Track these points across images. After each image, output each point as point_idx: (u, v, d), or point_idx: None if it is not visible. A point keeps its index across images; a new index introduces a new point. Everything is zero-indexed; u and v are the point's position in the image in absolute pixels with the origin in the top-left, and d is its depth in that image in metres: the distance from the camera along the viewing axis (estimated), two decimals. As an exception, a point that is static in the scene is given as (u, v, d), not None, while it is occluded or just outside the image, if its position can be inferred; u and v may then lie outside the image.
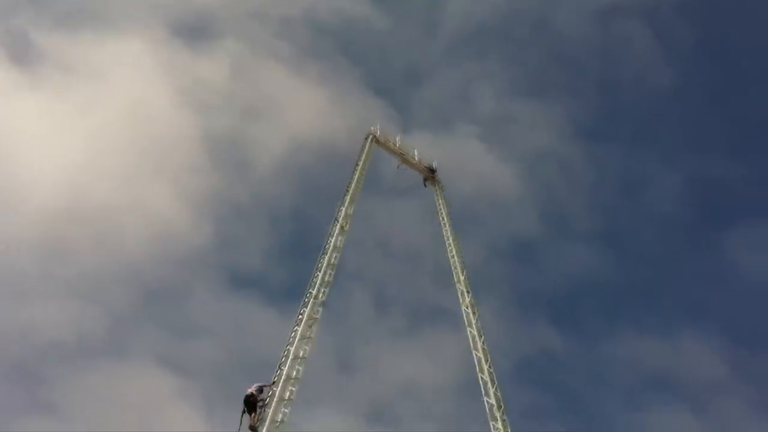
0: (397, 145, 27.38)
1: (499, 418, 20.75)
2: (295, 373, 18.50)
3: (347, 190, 24.10)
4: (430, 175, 27.49)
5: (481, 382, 21.62)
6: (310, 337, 19.48)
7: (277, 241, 53.27)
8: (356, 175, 24.72)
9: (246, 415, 17.82)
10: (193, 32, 63.78)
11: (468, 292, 23.84)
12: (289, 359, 18.66)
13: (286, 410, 17.69)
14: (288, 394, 18.00)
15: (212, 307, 48.72)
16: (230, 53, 58.56)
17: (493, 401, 21.16)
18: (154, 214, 49.72)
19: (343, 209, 23.35)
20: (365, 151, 25.83)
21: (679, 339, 48.83)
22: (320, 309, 20.26)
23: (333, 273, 21.40)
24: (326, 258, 21.60)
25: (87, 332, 43.38)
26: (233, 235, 52.36)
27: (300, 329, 19.40)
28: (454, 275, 24.43)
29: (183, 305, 47.99)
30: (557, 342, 46.35)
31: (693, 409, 45.42)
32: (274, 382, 18.22)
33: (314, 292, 20.48)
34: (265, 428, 17.14)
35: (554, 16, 62.57)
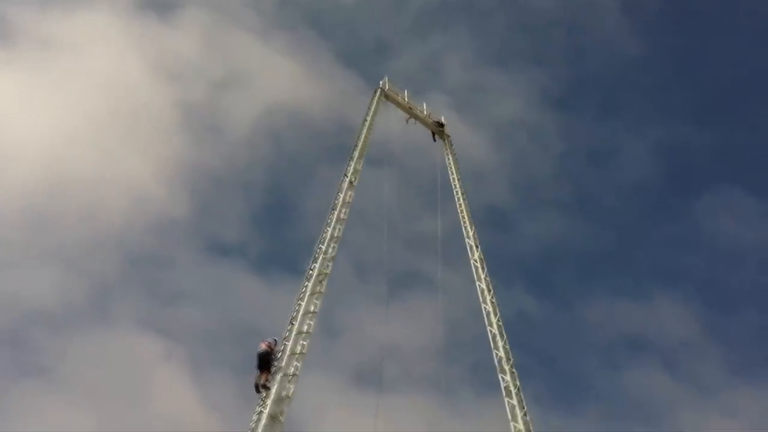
0: (406, 99, 27.16)
1: (507, 370, 20.94)
2: (306, 328, 18.60)
3: (356, 145, 24.01)
4: (439, 129, 27.30)
5: (490, 335, 21.76)
6: (320, 292, 19.57)
7: (253, 209, 55.90)
8: (365, 130, 24.60)
9: (258, 372, 17.39)
10: (160, 3, 65.53)
11: (477, 246, 23.88)
12: (300, 313, 18.73)
13: (298, 364, 17.64)
14: (299, 348, 18.08)
15: (194, 274, 51.26)
16: (199, 24, 59.60)
17: (502, 354, 21.32)
18: (132, 184, 51.43)
19: (352, 164, 23.28)
20: (373, 105, 25.64)
21: (651, 301, 50.60)
22: (330, 264, 20.31)
23: (342, 228, 21.41)
24: (335, 214, 21.59)
25: (71, 300, 45.44)
26: (211, 204, 54.36)
27: (310, 284, 19.44)
28: (464, 230, 24.45)
29: (165, 273, 50.16)
30: (534, 306, 47.56)
31: (668, 369, 47.64)
32: (285, 338, 18.28)
33: (324, 248, 20.49)
34: (276, 384, 16.92)
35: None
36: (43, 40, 53.70)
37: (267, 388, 16.90)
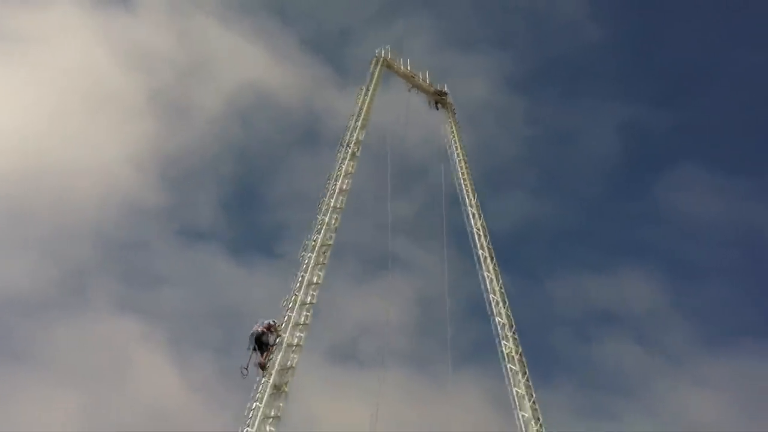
0: (408, 68, 26.99)
1: (510, 336, 21.23)
2: (309, 299, 18.88)
3: (358, 116, 23.91)
4: (441, 97, 27.16)
5: (492, 302, 21.99)
6: (323, 264, 19.78)
7: (225, 194, 56.74)
8: (367, 100, 24.46)
9: (256, 353, 17.57)
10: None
11: (479, 215, 23.97)
12: (304, 285, 19.01)
13: (301, 335, 17.95)
14: (303, 319, 18.39)
15: (169, 258, 52.13)
16: (161, 11, 60.16)
17: (504, 320, 21.60)
18: (105, 170, 52.12)
19: (355, 134, 23.24)
20: (374, 74, 25.47)
21: (618, 276, 51.99)
22: (332, 235, 20.47)
23: (344, 199, 21.50)
24: (337, 184, 21.65)
25: (46, 285, 46.14)
26: (183, 190, 55.15)
27: (313, 256, 19.64)
28: (466, 198, 24.45)
29: (140, 257, 51.20)
30: (504, 282, 48.06)
31: (638, 340, 48.28)
32: (289, 309, 18.54)
33: (326, 219, 20.62)
34: (277, 362, 17.14)
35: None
36: (11, 33, 54.09)
37: (264, 368, 17.12)
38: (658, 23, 64.17)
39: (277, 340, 17.65)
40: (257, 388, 16.80)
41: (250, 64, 59.33)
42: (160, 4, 61.22)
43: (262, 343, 17.61)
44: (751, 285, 52.32)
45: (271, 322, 18.01)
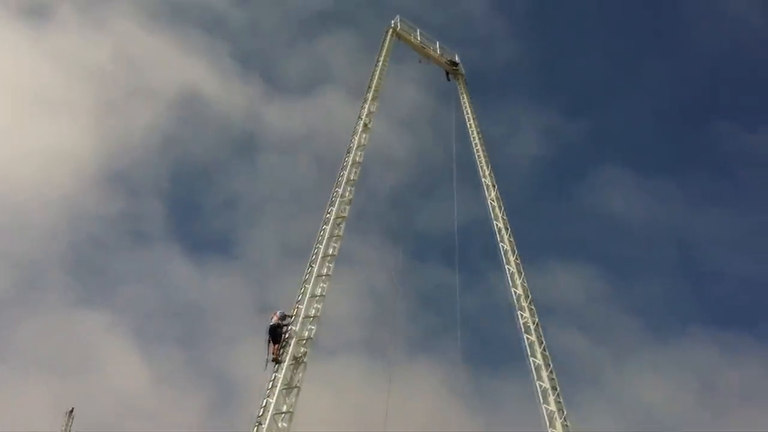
0: (418, 39, 26.67)
1: (526, 307, 21.18)
2: (326, 270, 18.78)
3: (369, 87, 23.64)
4: (453, 68, 26.86)
5: (508, 273, 21.95)
6: (338, 236, 19.65)
7: (171, 197, 61.23)
8: (377, 71, 24.19)
9: (271, 345, 17.31)
10: (38, 7, 66.67)
11: (494, 186, 23.81)
12: (320, 256, 18.90)
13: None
14: (320, 290, 18.32)
15: (124, 258, 55.54)
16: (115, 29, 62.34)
17: (520, 291, 21.54)
18: (56, 181, 55.10)
19: (366, 106, 23.00)
20: (386, 44, 25.16)
21: (551, 271, 53.45)
22: (347, 207, 20.32)
23: (358, 171, 21.31)
24: (351, 157, 21.48)
25: (6, 285, 48.19)
26: (134, 196, 58.75)
27: (328, 228, 19.53)
28: (480, 170, 24.34)
29: (95, 257, 54.45)
30: (450, 278, 50.02)
31: (584, 332, 49.96)
32: (305, 281, 18.46)
33: (340, 191, 20.46)
34: (289, 353, 16.92)
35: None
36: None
37: (278, 362, 16.87)
38: (566, 39, 71.11)
39: (289, 330, 17.40)
40: (269, 385, 16.53)
41: (187, 77, 62.77)
42: (75, 16, 63.54)
43: (277, 335, 17.33)
44: (684, 279, 57.23)
45: (280, 313, 17.80)
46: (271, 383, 16.57)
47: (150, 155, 61.46)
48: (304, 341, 17.23)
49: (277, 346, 17.19)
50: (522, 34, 73.86)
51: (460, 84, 26.71)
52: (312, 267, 18.64)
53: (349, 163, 21.31)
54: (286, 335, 17.36)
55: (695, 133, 67.07)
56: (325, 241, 19.21)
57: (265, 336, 17.49)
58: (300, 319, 17.59)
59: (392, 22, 26.02)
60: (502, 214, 23.19)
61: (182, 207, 63.93)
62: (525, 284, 21.73)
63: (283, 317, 17.67)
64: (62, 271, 51.94)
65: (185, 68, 63.22)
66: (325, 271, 18.68)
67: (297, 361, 16.77)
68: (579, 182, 63.62)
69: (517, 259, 22.25)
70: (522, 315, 21.02)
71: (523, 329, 20.74)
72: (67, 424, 35.64)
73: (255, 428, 15.76)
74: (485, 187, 23.81)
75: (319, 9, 73.16)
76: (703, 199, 62.38)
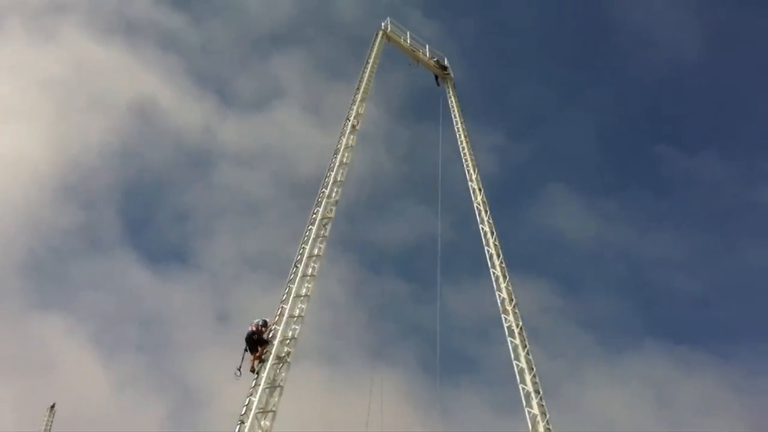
0: (408, 42, 26.71)
1: (510, 311, 21.29)
2: (311, 270, 18.79)
3: (358, 89, 23.64)
4: (442, 72, 26.92)
5: (493, 277, 22.07)
6: (324, 236, 19.64)
7: (128, 206, 64.52)
8: (367, 73, 24.20)
9: (248, 354, 17.05)
10: None
11: (480, 189, 23.91)
12: (305, 256, 18.91)
13: (303, 306, 17.81)
14: (304, 290, 18.28)
15: (82, 265, 58.46)
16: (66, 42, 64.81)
17: (504, 295, 21.65)
18: (14, 188, 58.17)
19: (355, 107, 23.00)
20: (375, 47, 25.19)
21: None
22: (333, 208, 20.31)
23: (345, 173, 21.33)
24: (338, 158, 21.48)
25: None
26: (90, 205, 62.17)
27: (314, 228, 19.53)
28: (467, 173, 24.43)
29: (57, 265, 57.71)
30: (405, 290, 51.79)
31: (537, 342, 51.47)
32: (290, 281, 18.46)
33: (327, 192, 20.47)
34: (273, 352, 16.74)
35: (339, 13, 75.12)
36: None
37: (255, 372, 16.66)
38: (510, 65, 73.82)
39: (271, 335, 17.23)
40: (253, 384, 16.41)
41: (141, 89, 65.55)
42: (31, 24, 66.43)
43: (254, 343, 17.08)
44: (634, 296, 59.63)
45: (260, 321, 17.53)
46: (254, 381, 16.53)
47: (105, 166, 64.31)
48: (288, 341, 17.20)
49: (255, 354, 16.97)
50: (470, 59, 75.54)
51: (449, 87, 26.76)
52: (297, 267, 18.64)
53: (336, 164, 21.31)
54: (270, 335, 17.30)
55: (637, 157, 70.48)
56: (310, 242, 19.19)
57: (243, 345, 17.24)
58: (284, 318, 17.58)
59: (382, 24, 26.05)
60: (488, 218, 23.30)
61: (138, 217, 66.82)
62: (509, 288, 21.82)
63: (264, 324, 17.48)
64: (20, 276, 52.87)
65: (140, 82, 65.40)
66: (310, 271, 18.68)
67: (280, 360, 16.75)
68: (526, 201, 66.21)
69: (502, 262, 22.36)
70: (506, 318, 21.14)
71: (507, 333, 20.84)
72: (48, 419, 35.56)
73: (237, 427, 15.71)
74: (472, 191, 23.92)
75: (270, 30, 77.92)
76: (647, 220, 65.30)
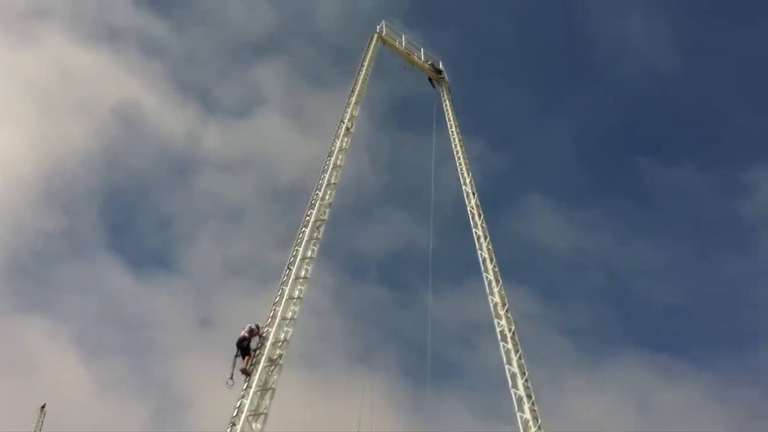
0: (403, 45, 26.74)
1: (503, 315, 21.22)
2: (303, 273, 18.72)
3: (352, 91, 23.68)
4: (437, 75, 26.95)
5: (485, 281, 21.99)
6: (317, 239, 19.56)
7: (111, 211, 63.91)
8: (361, 76, 24.24)
9: (239, 359, 17.01)
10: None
11: (474, 193, 23.90)
12: (298, 258, 18.86)
13: (295, 308, 17.73)
14: (297, 292, 18.23)
15: (65, 269, 57.99)
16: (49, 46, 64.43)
17: (497, 299, 21.58)
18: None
19: (349, 110, 23.01)
20: (370, 50, 25.21)
21: (482, 290, 56.57)
22: (327, 210, 20.25)
23: (339, 175, 21.29)
24: (332, 160, 21.46)
25: None
26: (73, 209, 61.21)
27: (307, 230, 19.47)
28: (461, 176, 24.42)
29: (39, 268, 57.05)
30: (386, 297, 52.58)
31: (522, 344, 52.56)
32: (283, 283, 18.40)
33: (320, 194, 20.43)
34: (263, 359, 16.68)
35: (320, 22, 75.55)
36: None
37: (247, 374, 16.63)
38: (490, 75, 72.59)
39: (262, 337, 17.22)
40: (245, 387, 16.38)
41: (124, 92, 64.85)
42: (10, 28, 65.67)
43: (245, 348, 17.06)
44: (614, 305, 59.33)
45: (253, 326, 17.50)
46: (246, 385, 16.47)
47: (88, 170, 63.52)
48: (280, 343, 17.15)
49: (247, 358, 16.93)
50: (450, 68, 76.18)
51: (443, 91, 26.79)
52: (290, 269, 18.57)
53: (330, 166, 21.28)
54: (263, 336, 17.27)
55: (616, 167, 70.49)
56: (303, 244, 19.15)
57: (235, 350, 17.19)
58: (276, 321, 17.52)
59: (378, 27, 26.10)
60: (482, 222, 23.27)
61: (120, 222, 66.68)
62: (502, 292, 21.74)
63: (257, 327, 17.45)
64: (2, 279, 53.75)
65: (123, 87, 65.04)
66: (303, 273, 18.61)
67: (272, 362, 16.70)
68: (506, 210, 65.87)
69: (495, 267, 22.30)
70: (499, 323, 21.06)
71: (499, 337, 20.79)
72: (39, 420, 35.44)
73: (229, 429, 15.65)
74: (465, 195, 23.90)
75: (252, 38, 77.92)
76: (626, 229, 65.21)
